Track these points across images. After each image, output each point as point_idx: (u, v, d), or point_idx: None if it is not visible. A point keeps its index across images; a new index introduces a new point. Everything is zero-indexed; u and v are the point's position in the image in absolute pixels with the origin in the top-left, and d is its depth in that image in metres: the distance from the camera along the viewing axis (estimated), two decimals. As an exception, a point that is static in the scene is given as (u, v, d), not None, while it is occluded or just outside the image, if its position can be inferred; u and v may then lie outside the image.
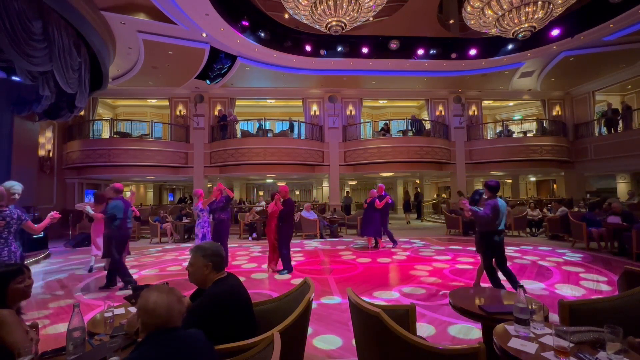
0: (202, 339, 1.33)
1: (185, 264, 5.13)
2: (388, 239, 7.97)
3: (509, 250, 7.21)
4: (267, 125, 13.18)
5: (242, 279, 5.27)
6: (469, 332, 3.06)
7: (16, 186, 3.17)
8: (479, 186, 18.12)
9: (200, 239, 5.76)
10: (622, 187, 12.79)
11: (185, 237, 9.98)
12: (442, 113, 13.43)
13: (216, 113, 12.66)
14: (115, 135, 11.78)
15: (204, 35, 8.68)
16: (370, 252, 7.32)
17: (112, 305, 2.00)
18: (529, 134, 13.36)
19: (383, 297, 4.19)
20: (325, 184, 15.29)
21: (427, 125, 13.11)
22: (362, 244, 8.39)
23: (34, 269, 6.10)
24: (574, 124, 13.43)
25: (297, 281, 5.06)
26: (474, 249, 5.06)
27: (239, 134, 12.44)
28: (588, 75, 12.07)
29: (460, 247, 7.70)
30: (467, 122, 13.27)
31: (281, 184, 19.93)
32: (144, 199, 17.86)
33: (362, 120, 13.67)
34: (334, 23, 6.30)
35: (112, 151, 10.88)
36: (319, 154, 12.48)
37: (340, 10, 6.02)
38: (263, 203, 12.20)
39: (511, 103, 16.45)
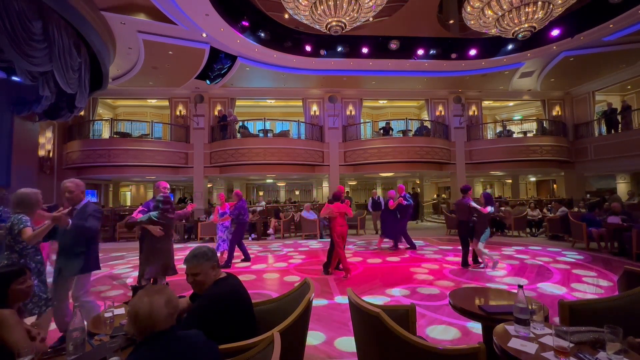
0: (201, 339, 1.33)
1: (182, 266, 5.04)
2: (387, 240, 7.87)
3: (510, 250, 7.22)
4: (268, 125, 13.18)
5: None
6: (469, 332, 3.06)
7: (66, 183, 2.92)
8: (479, 186, 18.19)
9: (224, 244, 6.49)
10: (622, 187, 12.78)
11: (185, 237, 9.98)
12: (442, 113, 13.43)
13: (216, 113, 12.66)
14: (115, 136, 11.77)
15: (204, 35, 8.68)
16: (369, 253, 7.32)
17: (112, 305, 2.00)
18: (529, 134, 13.35)
19: (383, 297, 4.19)
20: (325, 184, 15.29)
21: (427, 125, 13.12)
22: (361, 244, 8.39)
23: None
24: (574, 124, 13.43)
25: (295, 280, 5.06)
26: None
27: (238, 134, 12.45)
28: (588, 75, 12.07)
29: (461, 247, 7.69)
30: (467, 122, 13.27)
31: (281, 184, 19.93)
32: (144, 199, 17.87)
33: (362, 121, 13.67)
34: (334, 23, 6.30)
35: (112, 151, 10.88)
36: (319, 154, 12.48)
37: (340, 10, 6.02)
38: (263, 203, 12.21)
39: (511, 103, 16.45)
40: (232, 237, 6.41)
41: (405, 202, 7.29)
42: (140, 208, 4.13)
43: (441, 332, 3.09)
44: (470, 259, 5.85)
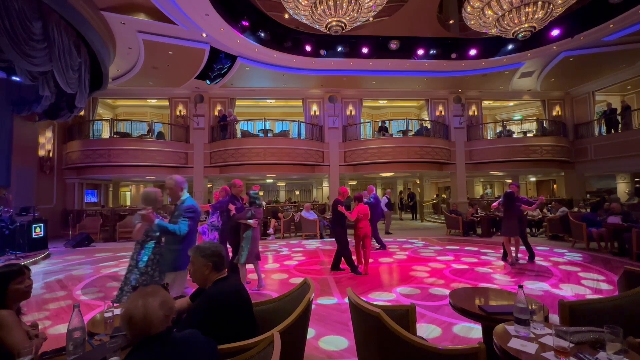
0: (200, 339, 1.32)
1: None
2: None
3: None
4: (268, 125, 13.18)
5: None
6: (469, 332, 3.06)
7: (168, 179, 2.96)
8: (479, 186, 18.20)
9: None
10: (622, 187, 12.78)
11: (185, 237, 9.97)
12: (442, 113, 13.43)
13: (216, 113, 12.66)
14: (115, 136, 11.77)
15: (204, 35, 8.68)
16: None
17: (112, 305, 2.00)
18: (529, 134, 13.35)
19: (383, 297, 4.19)
20: (325, 184, 15.28)
21: (427, 125, 13.12)
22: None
23: (33, 269, 6.10)
24: (574, 124, 13.43)
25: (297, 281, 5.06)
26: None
27: (239, 134, 12.45)
28: (588, 76, 12.06)
29: (461, 247, 7.70)
30: (467, 122, 13.27)
31: (281, 184, 19.92)
32: (144, 199, 17.83)
33: (362, 121, 13.67)
34: (334, 23, 6.30)
35: (112, 151, 10.87)
36: (319, 154, 12.48)
37: (340, 10, 6.02)
38: (263, 203, 12.19)
39: (511, 103, 16.45)
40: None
41: (374, 201, 7.44)
42: (234, 207, 4.51)
43: (441, 332, 3.09)
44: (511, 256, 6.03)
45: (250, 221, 4.39)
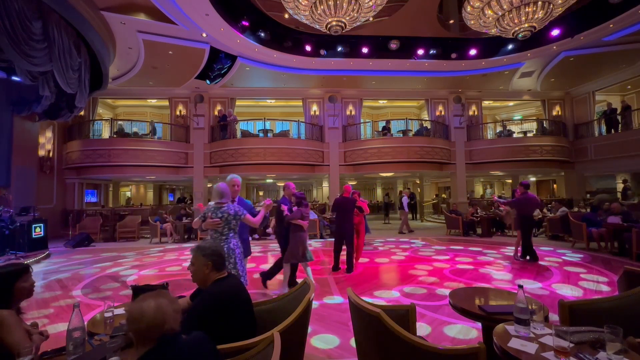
0: (205, 341, 1.31)
1: (186, 264, 5.14)
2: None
3: (508, 250, 7.22)
4: (268, 125, 13.18)
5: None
6: (469, 332, 3.06)
7: (235, 178, 3.46)
8: (479, 186, 18.23)
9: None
10: (622, 187, 12.78)
11: (185, 237, 9.98)
12: (442, 113, 13.43)
13: (216, 113, 12.66)
14: (115, 135, 11.78)
15: (204, 35, 8.68)
16: (369, 252, 7.32)
17: (112, 305, 1.99)
18: (529, 134, 13.36)
19: (383, 297, 4.19)
20: (325, 184, 15.29)
21: (427, 125, 13.12)
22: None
23: (34, 268, 6.10)
24: (574, 124, 13.43)
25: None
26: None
27: (239, 134, 12.45)
28: (588, 75, 12.07)
29: (461, 247, 7.70)
30: (467, 122, 13.27)
31: (281, 184, 19.92)
32: (144, 199, 17.86)
33: (362, 120, 13.67)
34: (334, 23, 6.30)
35: (112, 151, 10.87)
36: (319, 154, 12.48)
37: (340, 10, 6.02)
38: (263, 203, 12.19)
39: (511, 103, 16.45)
40: None
41: None
42: (285, 207, 4.62)
43: (441, 332, 3.09)
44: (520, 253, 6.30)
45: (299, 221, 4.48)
